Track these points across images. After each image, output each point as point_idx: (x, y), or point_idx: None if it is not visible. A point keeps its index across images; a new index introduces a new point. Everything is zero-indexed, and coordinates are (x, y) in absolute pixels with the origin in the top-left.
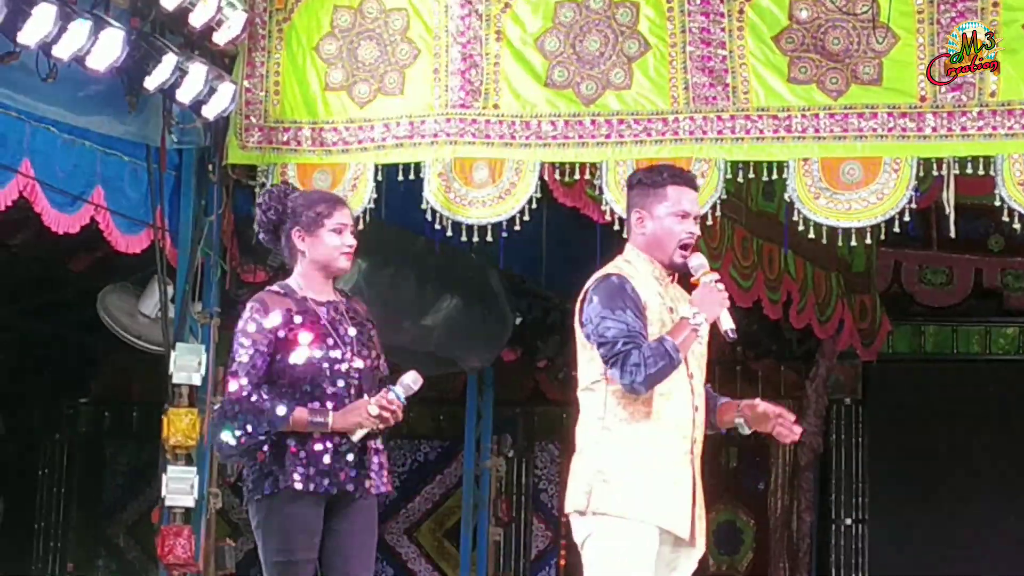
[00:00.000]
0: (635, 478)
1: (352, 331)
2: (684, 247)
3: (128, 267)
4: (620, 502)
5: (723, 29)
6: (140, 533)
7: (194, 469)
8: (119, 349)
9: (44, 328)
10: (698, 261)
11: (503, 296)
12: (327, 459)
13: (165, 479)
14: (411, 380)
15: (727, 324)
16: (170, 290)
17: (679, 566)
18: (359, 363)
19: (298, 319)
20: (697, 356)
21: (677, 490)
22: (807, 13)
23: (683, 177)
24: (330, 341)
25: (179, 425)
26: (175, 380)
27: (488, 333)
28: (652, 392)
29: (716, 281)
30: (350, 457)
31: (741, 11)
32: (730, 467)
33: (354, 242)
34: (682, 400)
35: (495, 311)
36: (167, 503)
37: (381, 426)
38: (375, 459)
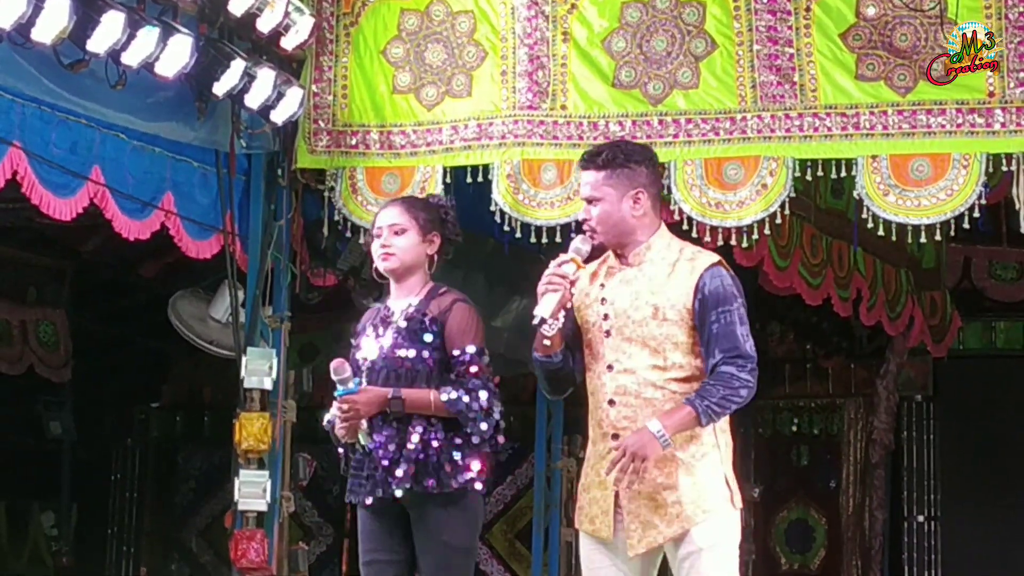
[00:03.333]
0: (580, 484)
1: (391, 328)
2: (586, 231)
3: (198, 272)
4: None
5: (790, 27)
6: (212, 537)
7: (266, 473)
8: (190, 354)
9: (115, 334)
10: (573, 245)
11: None
12: (353, 468)
13: (237, 483)
14: (334, 374)
15: (538, 310)
16: (240, 295)
17: (684, 566)
18: (382, 361)
19: (364, 326)
20: (626, 344)
21: (593, 492)
22: (874, 10)
23: (581, 159)
24: (363, 341)
25: (251, 429)
26: (246, 384)
27: None
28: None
29: (561, 264)
30: (366, 463)
31: (808, 8)
32: (801, 465)
33: (390, 243)
34: (599, 396)
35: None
36: (240, 507)
37: (343, 427)
38: (392, 458)
